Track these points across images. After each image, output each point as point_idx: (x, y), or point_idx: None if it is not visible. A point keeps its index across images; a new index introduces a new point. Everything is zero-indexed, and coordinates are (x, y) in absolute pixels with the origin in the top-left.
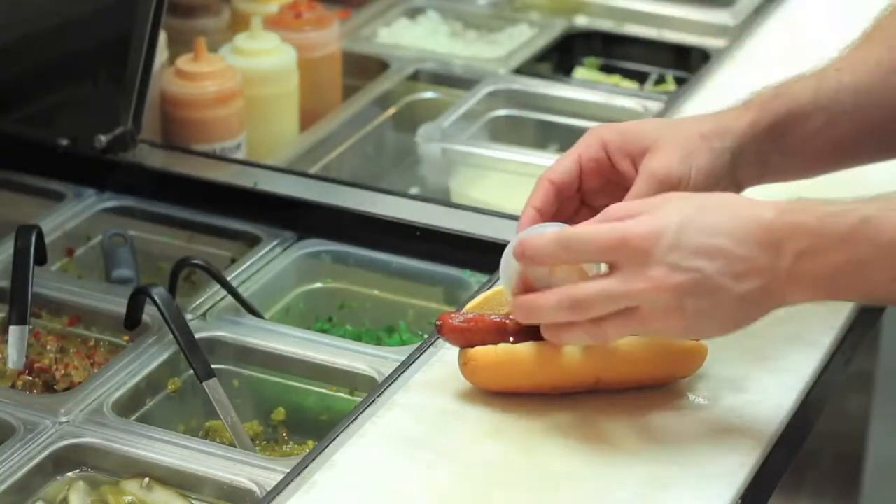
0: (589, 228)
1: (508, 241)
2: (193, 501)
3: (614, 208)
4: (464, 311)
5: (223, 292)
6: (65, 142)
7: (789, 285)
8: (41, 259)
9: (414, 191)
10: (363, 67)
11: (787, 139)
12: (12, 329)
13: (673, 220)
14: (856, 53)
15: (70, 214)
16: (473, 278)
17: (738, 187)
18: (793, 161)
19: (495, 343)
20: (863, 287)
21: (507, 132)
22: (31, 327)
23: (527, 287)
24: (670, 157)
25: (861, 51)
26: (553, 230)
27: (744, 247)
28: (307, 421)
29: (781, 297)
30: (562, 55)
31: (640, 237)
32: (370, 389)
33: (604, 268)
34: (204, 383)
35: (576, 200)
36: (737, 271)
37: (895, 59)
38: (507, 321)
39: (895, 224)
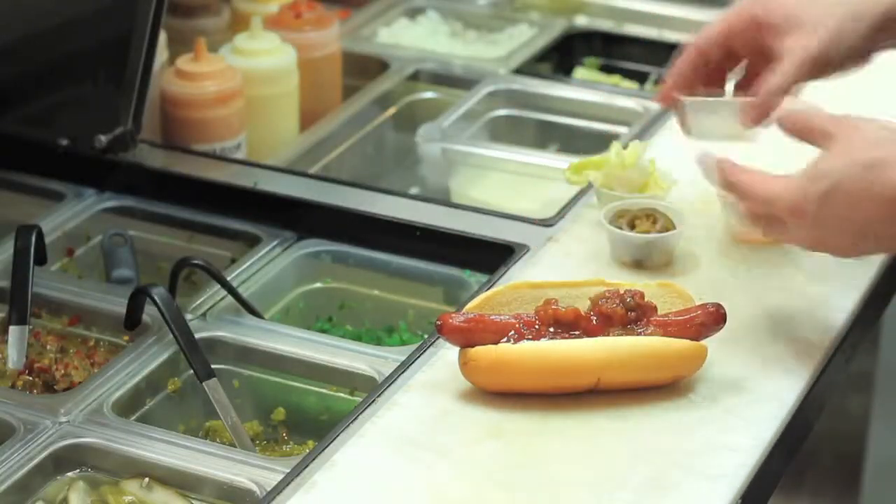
0: (748, 177)
1: (508, 241)
2: (193, 501)
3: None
4: (464, 311)
5: (223, 292)
6: (65, 142)
7: None
8: (41, 259)
9: (414, 191)
10: (363, 67)
11: None
12: (12, 329)
13: (816, 192)
14: None
15: (70, 214)
16: (473, 278)
17: (864, 57)
18: None
19: (495, 343)
20: None
21: (507, 132)
22: (31, 327)
23: None
24: (822, 39)
25: None
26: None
27: (884, 214)
28: (307, 421)
29: None
30: (562, 55)
31: (784, 209)
32: (370, 389)
33: None
34: (204, 383)
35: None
36: (879, 233)
37: None
38: (508, 321)
39: None
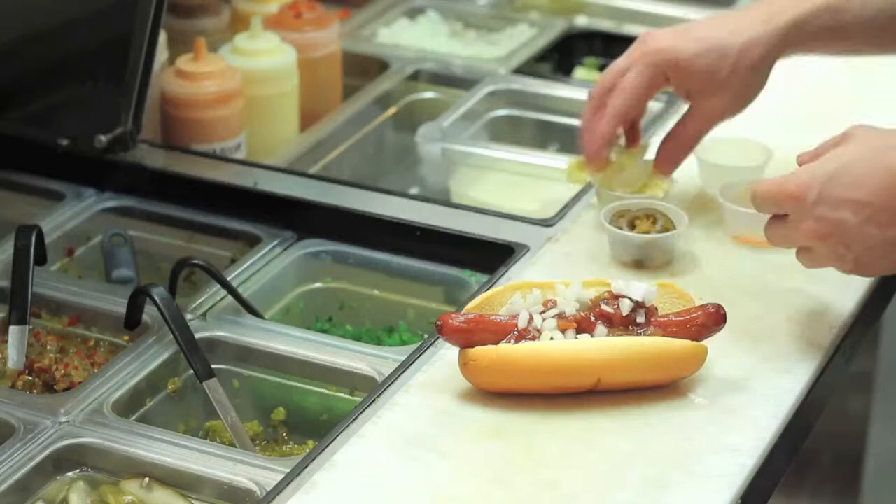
0: (758, 186)
1: (508, 241)
2: (193, 501)
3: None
4: (464, 311)
5: (223, 292)
6: (65, 142)
7: None
8: (41, 259)
9: (414, 191)
10: (363, 67)
11: (831, 41)
12: (12, 329)
13: (823, 173)
14: None
15: (70, 214)
16: (473, 278)
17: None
18: (832, 52)
19: (495, 343)
20: None
21: (507, 132)
22: (31, 327)
23: None
24: (728, 97)
25: None
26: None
27: (886, 197)
28: (307, 421)
29: None
30: (562, 55)
31: (789, 193)
32: (370, 389)
33: None
34: (204, 383)
35: None
36: (882, 220)
37: None
38: (508, 321)
39: None
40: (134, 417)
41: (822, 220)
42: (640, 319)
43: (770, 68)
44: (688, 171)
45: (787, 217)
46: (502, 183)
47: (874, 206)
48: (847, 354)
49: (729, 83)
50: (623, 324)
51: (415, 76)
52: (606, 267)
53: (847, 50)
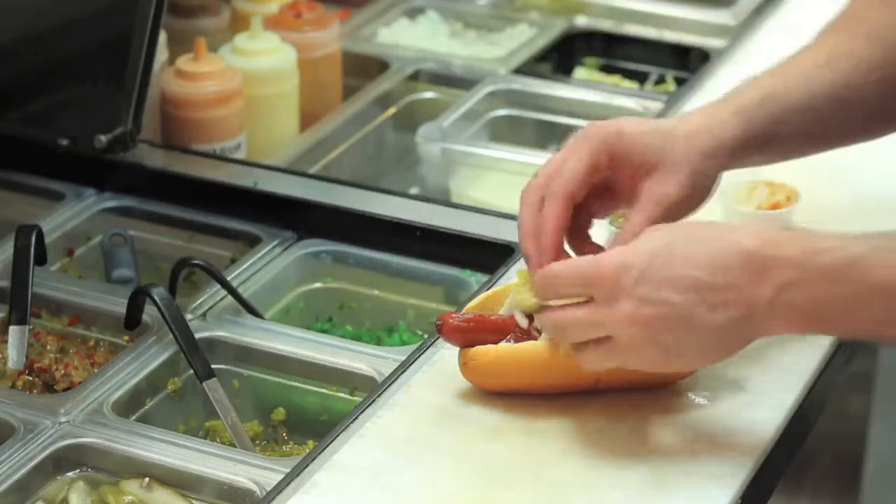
0: (562, 264)
1: (508, 241)
2: (193, 501)
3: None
4: (464, 311)
5: (223, 292)
6: (65, 142)
7: (770, 316)
8: (41, 259)
9: (414, 191)
10: (363, 67)
11: (771, 144)
12: (12, 329)
13: (644, 251)
14: (835, 46)
15: (70, 214)
16: (473, 278)
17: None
18: (771, 157)
19: (495, 343)
20: (845, 324)
21: (507, 132)
22: (31, 327)
23: None
24: (679, 183)
25: (840, 43)
26: None
27: (722, 276)
28: (307, 421)
29: (762, 328)
30: (562, 55)
31: (608, 271)
32: (370, 389)
33: None
34: (204, 383)
35: None
36: (713, 301)
37: (876, 55)
38: (508, 321)
39: (885, 264)
40: (134, 417)
41: (645, 300)
42: None
43: (720, 164)
44: None
45: (587, 302)
46: (502, 183)
47: (708, 286)
48: (847, 354)
49: (678, 165)
50: None
51: (415, 76)
52: None
53: (789, 141)
